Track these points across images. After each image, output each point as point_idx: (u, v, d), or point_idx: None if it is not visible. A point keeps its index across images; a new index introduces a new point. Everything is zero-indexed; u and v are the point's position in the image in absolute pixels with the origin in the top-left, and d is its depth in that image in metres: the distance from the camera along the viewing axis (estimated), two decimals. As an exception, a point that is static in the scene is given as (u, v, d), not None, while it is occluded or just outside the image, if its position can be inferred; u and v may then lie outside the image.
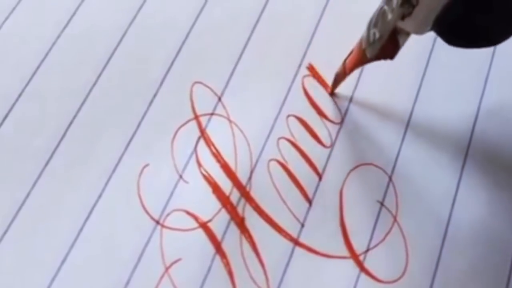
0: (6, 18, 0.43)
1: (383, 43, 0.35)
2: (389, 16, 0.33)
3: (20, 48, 0.42)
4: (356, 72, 0.40)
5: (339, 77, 0.40)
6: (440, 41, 0.33)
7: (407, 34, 0.34)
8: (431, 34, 0.33)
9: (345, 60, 0.39)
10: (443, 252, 0.37)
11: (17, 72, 0.41)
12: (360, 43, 0.37)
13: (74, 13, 0.43)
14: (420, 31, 0.33)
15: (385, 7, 0.34)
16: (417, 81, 0.42)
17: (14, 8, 0.43)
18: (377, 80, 0.42)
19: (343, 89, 0.41)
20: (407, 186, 0.39)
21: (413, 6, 0.32)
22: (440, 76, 0.42)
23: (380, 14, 0.34)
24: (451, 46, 0.33)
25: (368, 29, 0.36)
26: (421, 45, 0.43)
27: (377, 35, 0.35)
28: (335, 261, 0.37)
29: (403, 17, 0.32)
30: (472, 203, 0.39)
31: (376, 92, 0.42)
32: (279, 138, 0.40)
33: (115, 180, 0.38)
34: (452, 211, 0.38)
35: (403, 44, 0.35)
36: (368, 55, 0.36)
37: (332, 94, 0.41)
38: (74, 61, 0.42)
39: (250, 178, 0.39)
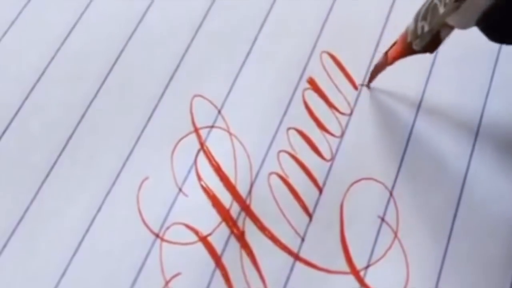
0: (6, 32, 0.43)
1: (432, 36, 0.35)
2: (441, 10, 0.33)
3: (19, 62, 0.42)
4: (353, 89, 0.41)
5: (379, 68, 0.40)
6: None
7: (450, 29, 0.35)
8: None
9: (386, 52, 0.39)
10: (443, 269, 0.37)
11: (17, 86, 0.41)
12: (405, 35, 0.37)
13: (73, 27, 0.43)
14: (464, 26, 0.33)
15: (436, 1, 0.34)
16: (418, 96, 0.42)
17: (13, 22, 0.43)
18: (378, 95, 0.42)
19: (343, 104, 0.41)
20: (408, 202, 0.39)
21: (461, 2, 0.32)
22: (441, 91, 0.42)
23: (430, 8, 0.35)
24: (493, 42, 0.33)
25: (416, 21, 0.36)
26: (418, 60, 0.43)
27: (426, 28, 0.35)
28: (336, 277, 0.37)
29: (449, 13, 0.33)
30: (473, 220, 0.39)
31: (377, 106, 0.42)
32: (280, 151, 0.40)
33: (114, 193, 0.38)
34: (453, 227, 0.38)
35: (444, 38, 0.35)
36: (416, 47, 0.36)
37: (368, 86, 0.42)
38: (73, 75, 0.41)
39: (250, 191, 0.39)
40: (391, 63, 0.39)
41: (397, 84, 0.42)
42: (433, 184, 0.39)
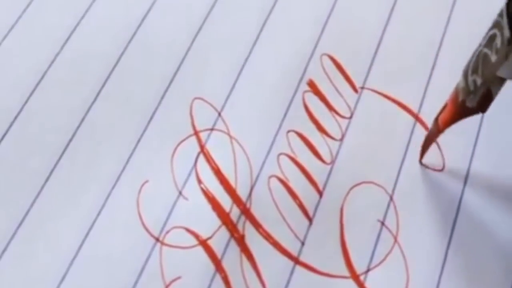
0: (5, 36, 0.43)
1: (486, 89, 0.33)
2: (493, 58, 0.31)
3: (19, 66, 0.42)
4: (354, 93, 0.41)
5: (431, 138, 0.39)
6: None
7: (501, 83, 0.33)
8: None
9: (436, 119, 0.37)
10: (443, 274, 0.37)
11: (16, 90, 0.41)
12: (455, 94, 0.35)
13: (73, 30, 0.43)
14: None
15: (485, 50, 0.32)
16: (419, 99, 0.42)
17: (13, 26, 0.43)
18: (378, 98, 0.42)
19: (343, 107, 0.41)
20: (408, 206, 0.39)
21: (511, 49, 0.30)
22: (441, 91, 0.42)
23: (480, 58, 0.33)
24: None
25: (465, 77, 0.34)
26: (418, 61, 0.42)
27: (479, 81, 0.33)
28: (336, 281, 0.37)
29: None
30: (474, 224, 0.38)
31: (377, 110, 0.42)
32: (280, 154, 0.40)
33: (114, 197, 0.38)
34: (453, 231, 0.38)
35: (496, 94, 0.33)
36: (469, 104, 0.34)
37: (420, 162, 0.40)
38: (73, 79, 0.42)
39: (250, 194, 0.39)
40: (443, 129, 0.37)
41: (396, 88, 0.42)
42: (433, 188, 0.39)
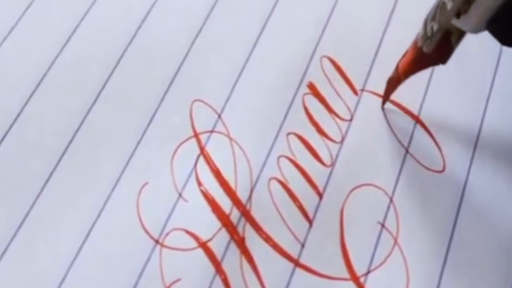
0: (5, 39, 0.43)
1: (440, 39, 0.35)
2: (449, 5, 0.33)
3: (18, 68, 0.42)
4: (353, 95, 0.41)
5: (392, 83, 0.40)
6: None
7: (461, 36, 0.34)
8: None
9: (398, 64, 0.39)
10: (444, 275, 0.37)
11: (16, 92, 0.41)
12: (415, 42, 0.37)
13: (73, 33, 0.43)
14: (475, 29, 0.32)
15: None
16: (419, 101, 0.42)
17: (12, 28, 0.43)
18: (378, 101, 0.42)
19: (343, 109, 0.41)
20: (408, 208, 0.39)
21: (470, 3, 0.31)
22: (442, 95, 0.42)
23: (439, 7, 0.34)
24: (505, 46, 0.33)
25: (425, 25, 0.36)
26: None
27: (435, 27, 0.35)
28: (336, 283, 0.37)
29: (458, 15, 0.32)
30: (473, 226, 0.38)
31: (377, 112, 0.42)
32: (279, 156, 0.40)
33: (114, 199, 0.38)
34: (453, 234, 0.38)
35: (456, 45, 0.35)
36: (425, 49, 0.36)
37: (383, 106, 0.41)
38: (73, 81, 0.41)
39: (250, 196, 0.39)
40: (404, 76, 0.38)
41: (398, 88, 0.42)
42: (433, 190, 0.39)
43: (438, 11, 0.34)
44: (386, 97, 0.41)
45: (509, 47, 0.33)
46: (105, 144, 0.40)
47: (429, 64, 0.37)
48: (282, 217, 0.38)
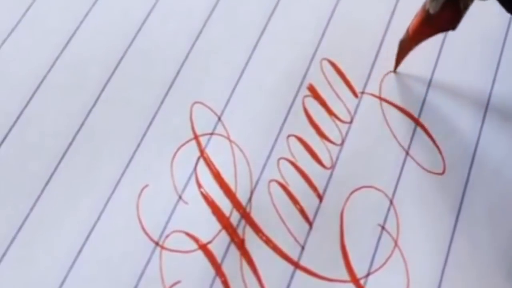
0: (5, 40, 0.43)
1: (448, 1, 0.34)
2: None
3: (18, 70, 0.42)
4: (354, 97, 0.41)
5: (403, 46, 0.39)
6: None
7: (469, 1, 0.34)
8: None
9: (408, 27, 0.38)
10: (444, 278, 0.37)
11: (16, 94, 0.41)
12: (424, 5, 0.36)
13: (73, 35, 0.43)
14: None
15: None
16: (419, 103, 0.42)
17: (12, 30, 0.43)
18: (378, 103, 0.42)
19: (343, 111, 0.41)
20: (408, 210, 0.39)
21: None
22: (442, 97, 0.42)
23: None
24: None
25: None
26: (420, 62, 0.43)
27: None
28: (336, 285, 0.37)
29: None
30: (474, 227, 0.38)
31: (377, 114, 0.42)
32: (280, 159, 0.40)
33: (114, 201, 0.38)
34: (453, 235, 0.38)
35: (465, 10, 0.35)
36: (431, 10, 0.35)
37: (395, 69, 0.41)
38: (73, 83, 0.42)
39: (250, 199, 0.39)
40: (414, 39, 0.38)
41: (398, 91, 0.42)
42: (434, 193, 0.39)
43: None
44: (398, 60, 0.41)
45: None
46: (105, 146, 0.40)
47: (437, 28, 0.36)
48: (282, 219, 0.38)
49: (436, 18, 0.36)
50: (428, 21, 0.36)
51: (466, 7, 0.34)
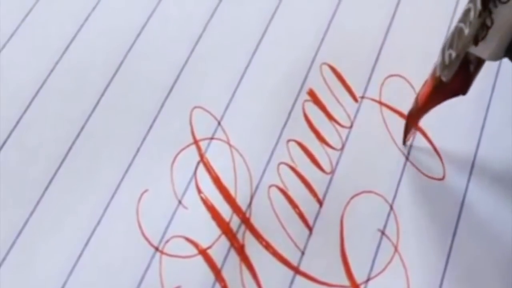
0: (4, 45, 0.43)
1: (458, 67, 0.33)
2: (466, 31, 0.32)
3: (18, 75, 0.42)
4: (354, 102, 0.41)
5: (413, 116, 0.39)
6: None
7: (480, 64, 0.34)
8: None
9: (417, 97, 0.38)
10: (444, 283, 0.37)
11: (15, 99, 0.41)
12: (434, 72, 0.36)
13: (73, 39, 0.43)
14: (493, 56, 0.32)
15: (461, 25, 0.33)
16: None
17: (12, 35, 0.43)
18: (378, 107, 0.42)
19: (343, 116, 0.41)
20: (409, 215, 0.38)
21: (488, 28, 0.31)
22: (442, 106, 0.42)
23: (456, 33, 0.33)
24: None
25: (443, 53, 0.35)
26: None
27: (454, 55, 0.33)
28: (336, 291, 0.37)
29: (476, 42, 0.32)
30: (474, 233, 0.38)
31: (377, 119, 0.42)
32: (280, 163, 0.40)
33: (114, 206, 0.38)
34: (453, 241, 0.38)
35: (475, 75, 0.34)
36: (444, 78, 0.35)
37: (404, 143, 0.40)
38: (72, 88, 0.42)
39: (250, 204, 0.39)
40: (424, 108, 0.37)
41: (397, 97, 0.42)
42: (434, 198, 0.39)
43: (455, 38, 0.33)
44: (407, 132, 0.40)
45: None
46: (104, 151, 0.40)
47: (448, 94, 0.35)
48: (282, 224, 0.38)
49: (448, 85, 0.35)
50: (440, 89, 0.35)
51: (477, 70, 0.34)
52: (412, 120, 0.39)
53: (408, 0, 0.45)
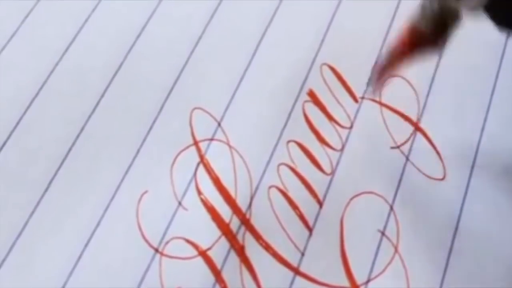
0: (5, 46, 0.43)
1: (438, 18, 0.34)
2: None
3: (18, 76, 0.42)
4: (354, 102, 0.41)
5: (383, 67, 0.38)
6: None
7: (455, 17, 0.34)
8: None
9: (389, 48, 0.37)
10: (444, 284, 0.37)
11: (15, 101, 0.41)
12: (412, 23, 0.36)
13: (73, 41, 0.43)
14: (471, 7, 0.32)
15: None
16: (419, 109, 0.42)
17: (12, 37, 0.43)
18: (378, 108, 0.42)
19: (343, 117, 0.41)
20: (409, 216, 0.38)
21: None
22: (441, 101, 0.42)
23: None
24: (500, 29, 0.32)
25: (423, 5, 0.35)
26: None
27: (435, 6, 0.34)
28: (336, 291, 0.37)
29: None
30: (474, 233, 0.38)
31: (377, 119, 0.41)
32: (280, 164, 0.40)
33: (114, 207, 0.38)
34: (453, 241, 0.38)
35: (451, 30, 0.34)
36: (424, 28, 0.35)
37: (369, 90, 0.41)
38: (72, 89, 0.42)
39: (250, 205, 0.39)
40: (398, 58, 0.37)
41: (396, 98, 0.42)
42: (434, 198, 0.39)
43: None
44: (375, 82, 0.39)
45: (505, 31, 0.32)
46: (104, 152, 0.40)
47: (425, 45, 0.35)
48: (282, 225, 0.38)
49: (426, 35, 0.35)
50: (418, 39, 0.35)
51: (454, 25, 0.34)
52: (381, 70, 0.38)
53: (407, 1, 0.45)
